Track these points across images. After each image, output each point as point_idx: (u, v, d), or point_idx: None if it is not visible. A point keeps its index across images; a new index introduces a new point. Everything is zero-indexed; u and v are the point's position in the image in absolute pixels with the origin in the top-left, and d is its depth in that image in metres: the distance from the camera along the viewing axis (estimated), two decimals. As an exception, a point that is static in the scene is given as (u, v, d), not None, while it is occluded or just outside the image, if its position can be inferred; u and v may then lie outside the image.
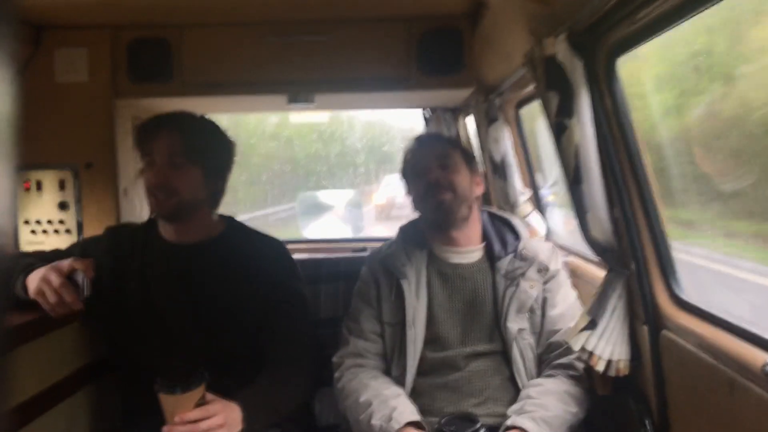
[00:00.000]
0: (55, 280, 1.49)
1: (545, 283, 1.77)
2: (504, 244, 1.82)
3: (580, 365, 1.66)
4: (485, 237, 1.84)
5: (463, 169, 1.81)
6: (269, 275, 1.71)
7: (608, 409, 1.68)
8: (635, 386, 1.55)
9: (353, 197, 4.71)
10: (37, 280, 1.50)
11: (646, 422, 1.50)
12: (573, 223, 1.66)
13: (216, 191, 1.73)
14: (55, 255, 1.75)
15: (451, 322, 1.75)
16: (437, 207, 1.78)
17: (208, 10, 2.20)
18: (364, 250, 2.78)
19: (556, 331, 1.72)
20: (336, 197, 4.66)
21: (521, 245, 1.80)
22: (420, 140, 1.92)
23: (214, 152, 1.70)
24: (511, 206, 2.41)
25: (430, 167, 1.79)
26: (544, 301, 1.76)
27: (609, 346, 1.52)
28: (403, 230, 1.93)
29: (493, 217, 1.92)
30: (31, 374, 1.47)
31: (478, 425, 1.46)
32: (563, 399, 1.60)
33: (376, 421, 1.57)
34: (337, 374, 1.78)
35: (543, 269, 1.77)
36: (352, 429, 1.70)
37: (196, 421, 1.37)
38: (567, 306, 1.76)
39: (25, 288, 1.52)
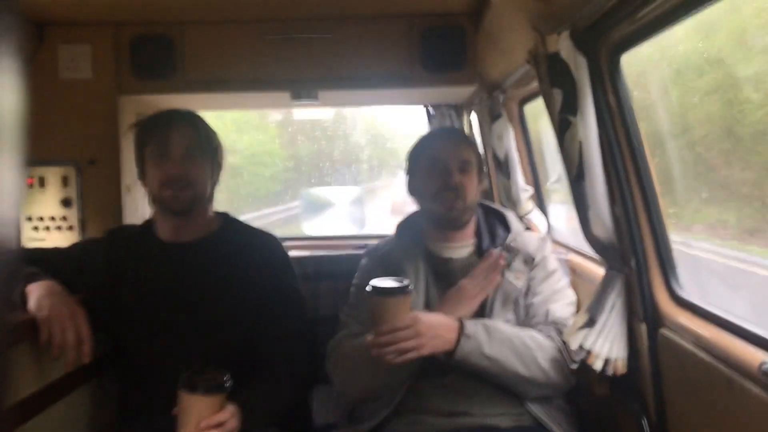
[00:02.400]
0: (71, 330, 1.46)
1: (531, 272, 1.76)
2: (493, 237, 1.82)
3: (557, 336, 1.66)
4: (478, 232, 1.84)
5: (476, 174, 1.79)
6: (265, 272, 1.72)
7: (605, 407, 1.68)
8: (632, 385, 1.55)
9: (356, 194, 4.70)
10: (47, 308, 1.46)
11: (643, 421, 1.50)
12: (574, 221, 1.66)
13: (213, 188, 1.75)
14: (56, 253, 1.76)
15: None
16: (447, 211, 1.76)
17: (210, 7, 2.21)
18: (365, 247, 2.78)
19: (534, 317, 1.72)
20: (339, 194, 4.65)
21: (510, 238, 1.80)
22: (440, 134, 1.87)
23: (218, 149, 1.74)
24: (513, 203, 2.41)
25: (451, 169, 1.74)
26: (528, 290, 1.74)
27: (607, 344, 1.52)
28: (400, 227, 1.93)
29: (487, 211, 1.91)
30: (30, 371, 1.48)
31: (407, 282, 1.50)
32: (522, 331, 1.64)
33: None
34: (330, 347, 1.75)
35: (529, 260, 1.76)
36: (354, 391, 1.71)
37: (220, 424, 1.37)
38: (551, 293, 1.74)
39: (23, 296, 1.49)
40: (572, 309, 1.77)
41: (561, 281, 1.81)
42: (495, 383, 1.63)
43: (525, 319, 1.73)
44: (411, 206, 1.96)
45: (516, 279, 1.73)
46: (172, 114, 1.71)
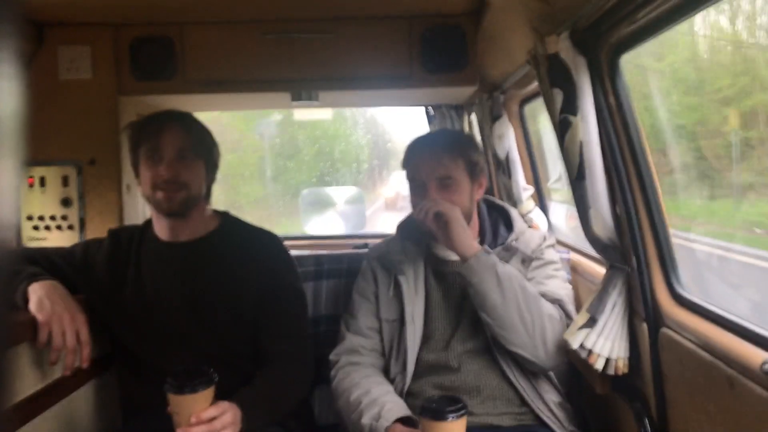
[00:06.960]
0: (71, 333, 1.46)
1: (529, 272, 1.75)
2: (496, 236, 1.79)
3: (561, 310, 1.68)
4: (482, 230, 1.81)
5: (465, 181, 1.71)
6: (265, 271, 1.71)
7: (607, 406, 1.68)
8: (634, 384, 1.56)
9: (356, 194, 4.70)
10: (47, 310, 1.45)
11: (645, 420, 1.50)
12: (574, 220, 1.66)
13: (210, 186, 1.75)
14: (59, 253, 1.76)
15: (446, 320, 1.74)
16: (430, 232, 1.69)
17: (210, 8, 2.21)
18: (365, 246, 2.78)
19: None
20: (339, 194, 4.65)
21: (512, 237, 1.78)
22: (420, 146, 1.77)
23: (212, 148, 1.74)
24: (514, 203, 2.41)
25: (429, 185, 1.68)
26: None
27: (608, 344, 1.52)
28: (401, 227, 1.91)
29: (491, 207, 1.88)
30: (32, 371, 1.48)
31: (461, 405, 1.43)
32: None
33: (365, 420, 1.57)
34: (332, 372, 1.77)
35: (527, 260, 1.75)
36: (346, 427, 1.71)
37: (211, 420, 1.37)
38: (544, 277, 1.73)
39: (24, 296, 1.49)
40: (567, 291, 1.75)
41: (558, 271, 1.79)
42: (494, 324, 1.61)
43: None
44: (403, 201, 1.95)
45: None
46: (164, 115, 1.70)
